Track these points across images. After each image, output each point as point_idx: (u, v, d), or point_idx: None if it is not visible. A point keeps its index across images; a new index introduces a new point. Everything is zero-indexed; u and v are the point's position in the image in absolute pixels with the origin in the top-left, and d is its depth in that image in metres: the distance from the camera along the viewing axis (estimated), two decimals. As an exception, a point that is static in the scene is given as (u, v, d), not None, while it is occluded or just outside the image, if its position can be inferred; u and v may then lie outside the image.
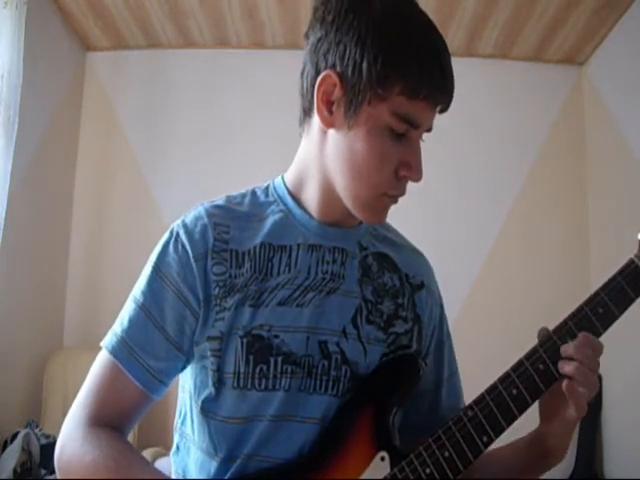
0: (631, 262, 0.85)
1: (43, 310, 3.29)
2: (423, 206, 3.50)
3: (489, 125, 3.62)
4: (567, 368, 0.81)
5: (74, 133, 3.61)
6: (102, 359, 0.89)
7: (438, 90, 0.83)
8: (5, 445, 2.63)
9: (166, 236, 0.91)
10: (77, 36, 3.54)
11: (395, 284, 0.95)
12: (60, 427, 0.88)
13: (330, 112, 0.85)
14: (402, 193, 0.88)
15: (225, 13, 3.33)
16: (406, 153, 0.85)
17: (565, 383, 0.81)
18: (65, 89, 3.47)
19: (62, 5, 3.26)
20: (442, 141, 3.52)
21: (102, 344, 0.89)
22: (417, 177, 0.85)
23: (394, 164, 0.84)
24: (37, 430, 2.74)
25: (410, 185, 0.89)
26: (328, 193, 0.90)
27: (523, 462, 0.90)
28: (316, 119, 0.88)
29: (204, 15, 3.35)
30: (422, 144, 0.88)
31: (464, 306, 3.37)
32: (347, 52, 0.82)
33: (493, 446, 0.84)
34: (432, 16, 0.89)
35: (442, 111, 0.87)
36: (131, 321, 0.88)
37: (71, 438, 0.85)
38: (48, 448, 2.63)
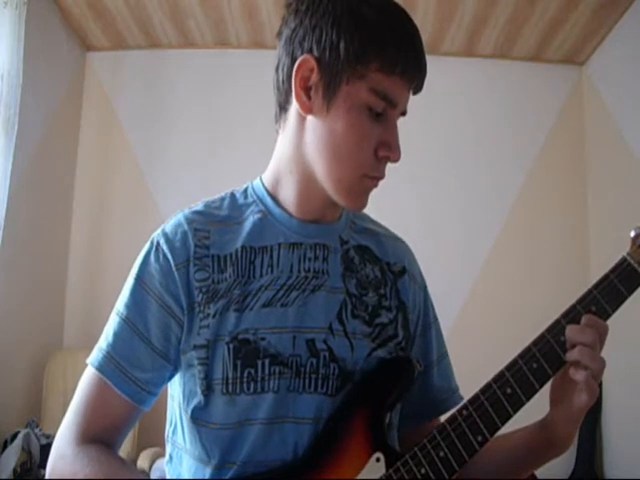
0: (623, 260, 0.85)
1: (43, 310, 3.30)
2: (423, 206, 3.50)
3: (489, 125, 3.62)
4: (572, 354, 0.81)
5: (74, 133, 3.62)
6: (88, 375, 0.88)
7: (413, 66, 0.85)
8: (5, 445, 2.63)
9: (147, 246, 0.91)
10: (77, 36, 3.55)
11: (377, 275, 0.95)
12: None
13: (308, 97, 0.86)
14: (382, 175, 0.88)
15: (225, 13, 3.33)
16: (385, 133, 0.86)
17: (572, 368, 0.81)
18: (65, 89, 3.48)
19: (62, 5, 3.27)
20: (442, 141, 3.54)
21: (88, 361, 0.89)
22: (396, 157, 0.86)
23: (373, 144, 0.85)
24: (37, 430, 2.74)
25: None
26: (306, 186, 0.90)
27: (530, 449, 0.90)
28: (293, 111, 0.89)
29: (204, 15, 3.35)
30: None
31: (464, 306, 3.37)
32: (323, 35, 0.84)
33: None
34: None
35: (415, 92, 0.89)
36: (115, 335, 0.87)
37: (61, 457, 0.85)
38: (48, 448, 2.60)
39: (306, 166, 0.89)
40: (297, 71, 0.86)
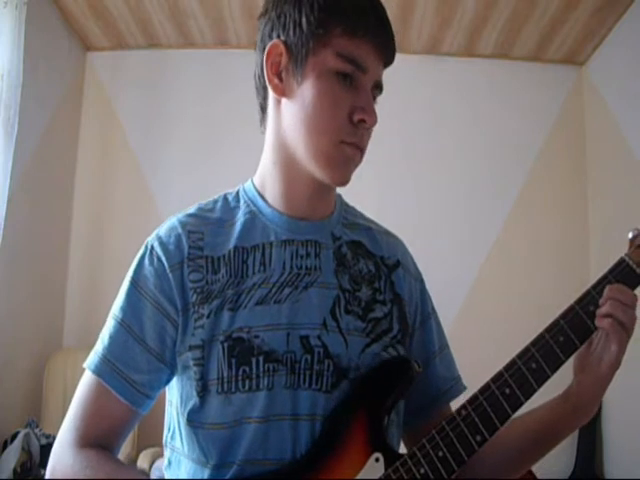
0: (622, 261, 0.85)
1: (43, 310, 3.30)
2: (423, 206, 3.50)
3: (489, 125, 3.61)
4: (604, 308, 0.83)
5: (74, 133, 3.62)
6: (86, 379, 0.89)
7: (375, 28, 0.86)
8: (5, 445, 2.64)
9: (141, 250, 0.92)
10: (77, 36, 3.55)
11: (370, 270, 0.95)
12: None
13: (280, 80, 0.89)
14: (360, 143, 0.89)
15: (225, 13, 3.33)
16: (357, 98, 0.87)
17: (598, 317, 0.82)
18: (65, 89, 3.48)
19: (62, 5, 3.27)
20: (443, 141, 3.54)
21: (85, 365, 0.89)
22: (372, 120, 0.87)
23: (346, 109, 0.86)
24: (37, 430, 2.74)
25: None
26: (290, 174, 0.92)
27: (553, 420, 0.90)
28: (271, 102, 0.91)
29: (204, 15, 3.35)
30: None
31: (464, 306, 3.37)
32: (287, 18, 0.87)
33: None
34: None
35: (387, 64, 0.91)
36: (111, 338, 0.88)
37: (61, 462, 0.86)
38: (48, 448, 2.61)
39: (288, 152, 0.90)
40: (267, 58, 0.89)
